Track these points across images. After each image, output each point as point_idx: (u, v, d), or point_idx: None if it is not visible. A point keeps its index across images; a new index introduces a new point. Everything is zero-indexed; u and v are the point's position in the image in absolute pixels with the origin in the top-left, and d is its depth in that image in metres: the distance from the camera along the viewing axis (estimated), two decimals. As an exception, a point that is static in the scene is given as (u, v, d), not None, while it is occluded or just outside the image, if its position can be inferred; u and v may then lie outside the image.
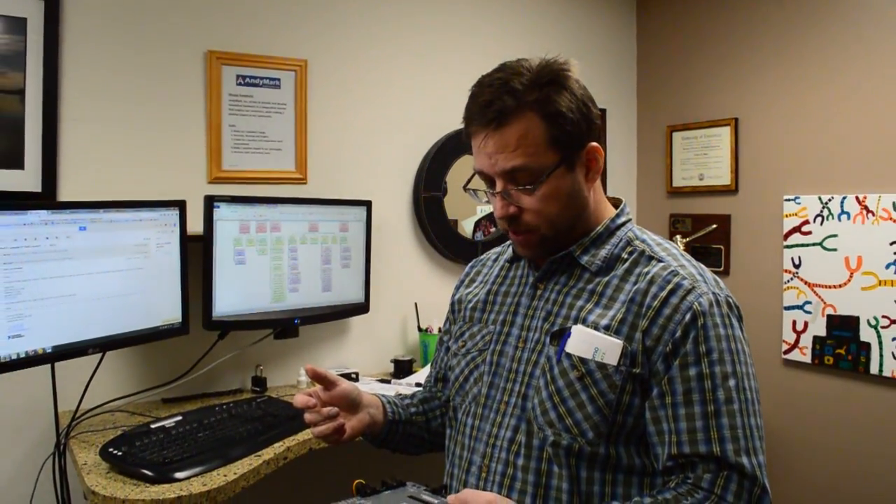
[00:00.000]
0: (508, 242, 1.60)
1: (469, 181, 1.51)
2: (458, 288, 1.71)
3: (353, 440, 1.49)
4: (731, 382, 1.26)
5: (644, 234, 1.45)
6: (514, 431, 1.38)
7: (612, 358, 1.30)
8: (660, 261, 1.36)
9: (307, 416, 1.44)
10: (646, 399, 1.30)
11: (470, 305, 1.60)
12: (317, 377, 1.44)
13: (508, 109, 1.29)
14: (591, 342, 1.31)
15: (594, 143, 1.37)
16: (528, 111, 1.30)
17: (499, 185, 1.35)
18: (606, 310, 1.34)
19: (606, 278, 1.38)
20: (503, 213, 1.37)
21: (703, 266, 1.39)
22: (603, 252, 1.40)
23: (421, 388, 1.79)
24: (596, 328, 1.32)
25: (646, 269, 1.35)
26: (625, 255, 1.40)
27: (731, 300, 1.35)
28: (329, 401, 1.46)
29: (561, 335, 1.36)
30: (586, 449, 1.31)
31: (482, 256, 1.73)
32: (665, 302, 1.30)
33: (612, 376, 1.29)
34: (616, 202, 1.51)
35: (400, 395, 1.72)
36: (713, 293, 1.31)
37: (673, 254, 1.39)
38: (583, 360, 1.31)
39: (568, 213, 1.37)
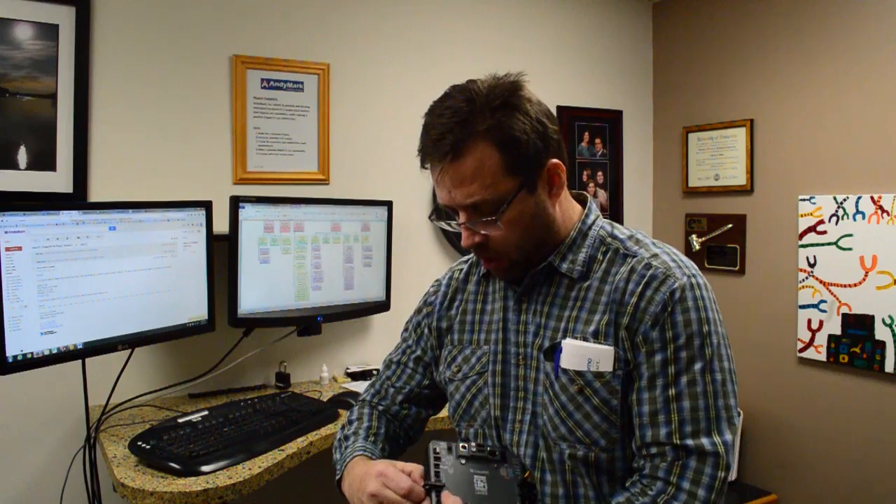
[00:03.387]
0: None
1: (434, 210, 1.45)
2: (434, 313, 1.61)
3: None
4: (697, 366, 1.26)
5: (615, 230, 1.42)
6: (534, 448, 1.37)
7: (606, 365, 1.29)
8: (633, 256, 1.34)
9: None
10: None
11: (458, 329, 1.55)
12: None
13: (460, 142, 1.24)
14: (584, 354, 1.31)
15: (554, 161, 1.32)
16: (481, 141, 1.25)
17: (462, 217, 1.32)
18: (592, 315, 1.33)
19: (587, 283, 1.36)
20: (469, 243, 1.35)
21: (676, 251, 1.38)
22: (581, 256, 1.38)
23: (374, 402, 1.66)
24: (585, 338, 1.32)
25: (622, 268, 1.34)
26: (600, 256, 1.38)
27: (706, 283, 1.34)
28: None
29: (553, 351, 1.35)
30: (602, 456, 1.30)
31: (450, 274, 1.64)
32: (641, 296, 1.29)
33: (611, 382, 1.29)
34: (581, 198, 1.49)
35: (365, 427, 1.59)
36: (687, 278, 1.30)
37: (645, 244, 1.38)
38: (579, 374, 1.30)
39: (534, 234, 1.35)
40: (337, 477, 1.48)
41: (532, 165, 1.29)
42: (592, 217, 1.44)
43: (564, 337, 1.34)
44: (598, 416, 1.30)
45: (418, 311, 1.67)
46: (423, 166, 1.34)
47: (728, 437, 1.25)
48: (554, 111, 1.41)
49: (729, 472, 1.24)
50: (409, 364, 1.65)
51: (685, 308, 1.28)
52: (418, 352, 1.64)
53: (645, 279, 1.30)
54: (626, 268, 1.33)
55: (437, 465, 1.29)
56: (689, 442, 1.23)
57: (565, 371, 1.32)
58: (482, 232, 1.33)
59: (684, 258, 1.36)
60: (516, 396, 1.41)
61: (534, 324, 1.40)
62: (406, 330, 1.69)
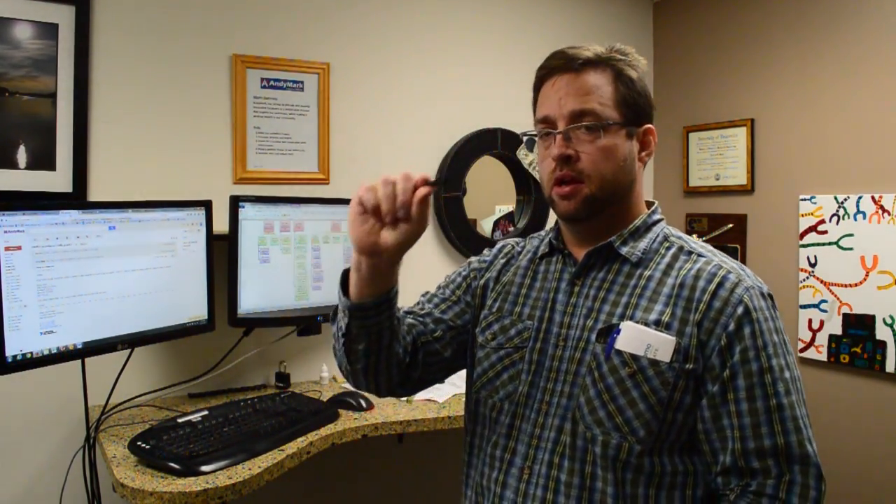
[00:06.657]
0: (536, 235, 1.60)
1: (525, 136, 1.49)
2: (484, 270, 1.61)
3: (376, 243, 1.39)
4: (787, 374, 1.28)
5: (679, 233, 1.46)
6: (558, 432, 1.35)
7: (664, 355, 1.28)
8: (701, 256, 1.37)
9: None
10: (698, 396, 1.30)
11: (500, 296, 1.53)
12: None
13: (590, 61, 1.38)
14: (643, 339, 1.30)
15: (651, 126, 1.44)
16: (606, 68, 1.38)
17: (561, 125, 1.37)
18: (652, 303, 1.33)
19: (648, 272, 1.37)
20: (561, 152, 1.36)
21: (739, 262, 1.40)
22: (642, 244, 1.40)
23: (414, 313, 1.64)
24: (646, 324, 1.31)
25: (688, 265, 1.36)
26: (662, 251, 1.40)
27: (771, 293, 1.36)
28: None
29: (608, 332, 1.34)
30: (636, 448, 1.28)
31: (508, 243, 1.64)
32: (714, 295, 1.29)
33: (665, 373, 1.28)
34: (648, 203, 1.51)
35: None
36: (757, 286, 1.32)
37: (711, 250, 1.40)
38: (634, 357, 1.29)
39: (618, 178, 1.38)
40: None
41: (636, 114, 1.41)
42: (657, 216, 1.49)
43: (623, 321, 1.34)
44: (643, 405, 1.28)
45: (460, 272, 1.64)
46: (538, 83, 1.45)
47: (816, 444, 1.29)
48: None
49: (823, 481, 1.29)
50: (447, 298, 1.63)
51: (765, 317, 1.31)
52: (459, 295, 1.61)
53: (717, 279, 1.32)
54: (693, 265, 1.36)
55: None
56: (796, 450, 1.26)
57: (619, 353, 1.31)
58: (576, 149, 1.37)
59: (748, 268, 1.40)
60: (548, 377, 1.39)
61: (584, 307, 1.40)
62: (444, 284, 1.66)
